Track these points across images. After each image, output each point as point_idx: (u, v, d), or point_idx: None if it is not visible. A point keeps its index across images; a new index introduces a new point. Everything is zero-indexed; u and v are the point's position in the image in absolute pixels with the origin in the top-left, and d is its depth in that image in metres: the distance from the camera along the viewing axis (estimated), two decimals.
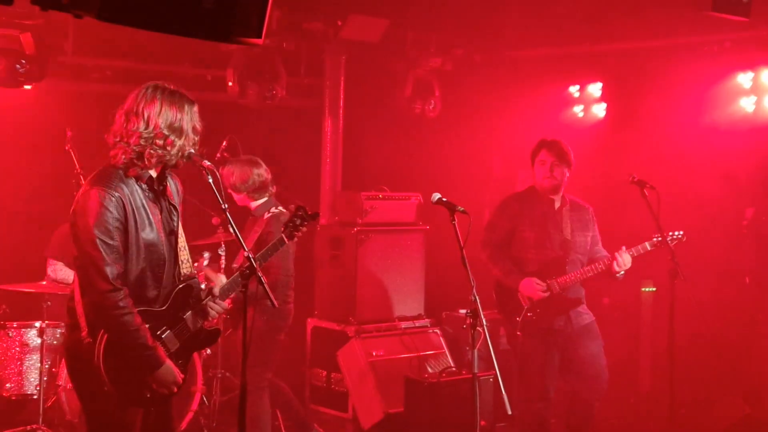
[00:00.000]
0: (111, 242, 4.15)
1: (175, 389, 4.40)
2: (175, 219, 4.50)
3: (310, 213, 5.15)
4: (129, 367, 4.27)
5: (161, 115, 4.24)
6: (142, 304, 4.31)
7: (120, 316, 4.17)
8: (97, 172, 4.34)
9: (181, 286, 4.48)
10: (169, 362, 4.35)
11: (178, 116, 4.26)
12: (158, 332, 4.38)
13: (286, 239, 5.10)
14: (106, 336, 4.22)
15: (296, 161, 9.40)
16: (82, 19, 3.46)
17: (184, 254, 4.53)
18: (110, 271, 4.14)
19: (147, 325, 4.28)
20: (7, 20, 7.21)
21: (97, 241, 4.13)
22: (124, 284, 4.21)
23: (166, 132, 4.24)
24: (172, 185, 4.55)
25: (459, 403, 6.82)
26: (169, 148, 4.25)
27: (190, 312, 4.49)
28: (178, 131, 4.26)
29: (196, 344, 4.62)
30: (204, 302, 4.53)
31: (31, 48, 7.28)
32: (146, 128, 4.23)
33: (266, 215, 6.62)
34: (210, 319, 4.55)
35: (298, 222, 5.10)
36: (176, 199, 4.54)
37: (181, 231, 4.53)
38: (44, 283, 7.18)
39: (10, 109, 7.93)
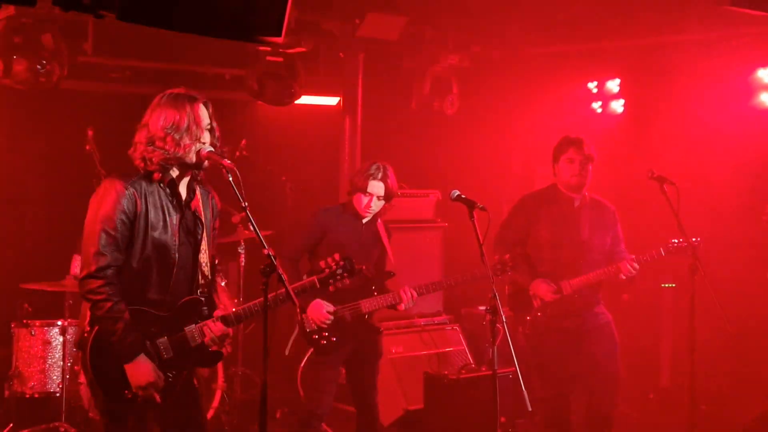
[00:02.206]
0: (111, 232, 4.27)
1: (152, 392, 4.34)
2: (200, 232, 4.53)
3: (355, 267, 4.87)
4: (111, 363, 4.31)
5: (161, 118, 4.35)
6: (141, 304, 4.37)
7: (96, 302, 4.25)
8: (124, 168, 4.44)
9: (190, 298, 4.51)
10: (144, 361, 4.33)
11: (176, 116, 4.34)
12: (154, 336, 4.41)
13: (317, 284, 4.83)
14: (97, 328, 4.31)
15: (315, 159, 9.44)
16: (103, 19, 3.49)
17: (205, 269, 4.55)
18: (97, 259, 4.25)
19: (143, 327, 4.34)
20: (28, 21, 7.26)
21: (98, 228, 4.26)
22: (116, 275, 4.28)
23: (165, 131, 4.33)
24: (206, 200, 4.59)
25: (479, 399, 6.82)
26: (168, 145, 4.32)
27: (194, 326, 4.49)
28: (176, 128, 4.33)
29: (193, 361, 4.55)
30: (209, 321, 4.50)
31: (51, 48, 7.32)
32: (148, 134, 4.35)
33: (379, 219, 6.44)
34: (207, 340, 4.49)
35: (338, 272, 4.83)
36: (206, 214, 4.57)
37: (206, 247, 4.55)
38: (75, 279, 7.22)
39: (32, 110, 8.00)
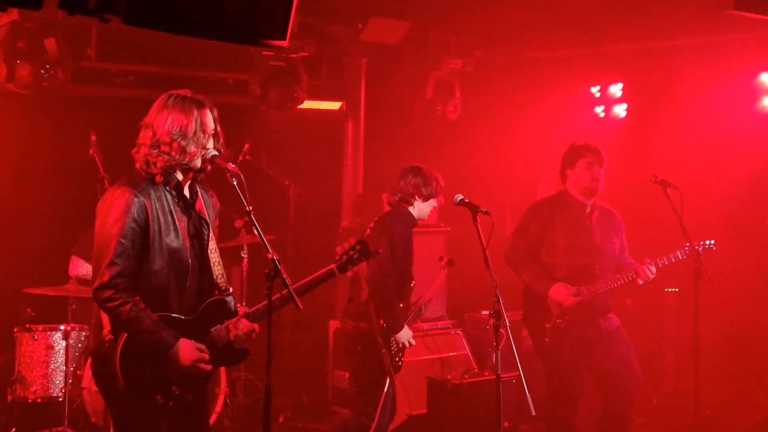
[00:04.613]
0: (123, 241, 4.23)
1: (202, 367, 4.35)
2: (206, 233, 4.52)
3: (372, 250, 4.84)
4: (144, 368, 4.29)
5: (167, 121, 4.32)
6: (164, 310, 4.35)
7: (114, 308, 4.22)
8: (128, 174, 4.42)
9: (213, 299, 4.50)
10: (184, 342, 4.32)
11: (184, 121, 4.32)
12: None
13: (336, 271, 4.76)
14: (125, 335, 4.27)
15: (317, 164, 9.43)
16: (108, 23, 3.50)
17: (218, 269, 4.54)
18: (110, 268, 4.21)
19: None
20: (31, 26, 7.27)
21: (109, 237, 4.23)
22: (129, 282, 4.25)
23: (172, 136, 4.31)
24: (206, 199, 4.58)
25: (482, 404, 6.82)
26: (174, 152, 4.31)
27: (219, 326, 4.48)
28: (183, 134, 4.32)
29: (221, 360, 4.56)
30: (234, 320, 4.49)
31: (55, 53, 7.33)
32: (153, 137, 4.33)
33: None
34: (232, 337, 4.48)
35: (355, 256, 4.78)
36: (209, 214, 4.56)
37: (214, 246, 4.54)
38: (75, 279, 7.21)
39: (35, 114, 8.00)
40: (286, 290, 4.28)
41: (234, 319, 4.49)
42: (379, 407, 6.14)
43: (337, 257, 4.79)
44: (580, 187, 6.48)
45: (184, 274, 4.40)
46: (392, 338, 6.17)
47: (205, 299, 4.49)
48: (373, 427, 6.14)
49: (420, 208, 6.36)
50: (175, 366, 4.32)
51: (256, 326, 4.52)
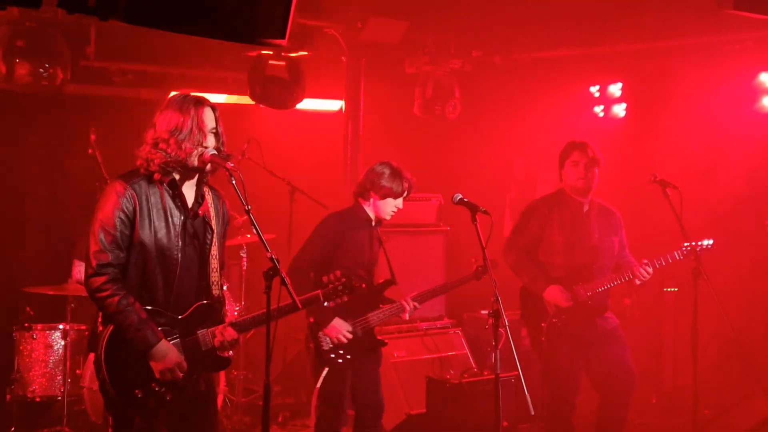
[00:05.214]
0: (111, 231, 4.30)
1: (178, 373, 4.35)
2: (210, 237, 4.53)
3: (355, 285, 4.89)
4: (127, 360, 4.32)
5: (166, 120, 4.39)
6: (151, 304, 4.38)
7: (103, 299, 4.28)
8: (127, 171, 4.46)
9: (203, 303, 4.51)
10: (166, 343, 4.34)
11: (180, 119, 4.38)
12: (167, 336, 4.40)
13: (321, 298, 4.84)
14: (111, 327, 4.32)
15: (317, 163, 9.44)
16: (107, 21, 3.50)
17: (215, 275, 4.55)
18: (98, 257, 4.29)
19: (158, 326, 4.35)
20: (30, 24, 7.27)
21: (97, 227, 4.31)
22: (120, 273, 4.31)
23: (170, 133, 4.36)
24: (217, 206, 4.60)
25: (481, 404, 6.81)
26: (170, 148, 4.34)
27: (206, 330, 4.49)
28: (179, 131, 4.36)
29: (202, 365, 4.54)
30: (221, 327, 4.48)
31: (54, 52, 7.33)
32: (154, 134, 4.39)
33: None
34: (217, 344, 4.47)
35: (339, 288, 4.87)
36: (216, 220, 4.57)
37: (216, 252, 4.55)
38: (77, 284, 7.22)
39: (34, 114, 8.00)
40: (281, 305, 4.28)
41: (221, 326, 4.50)
42: (314, 402, 6.02)
43: (323, 285, 4.88)
44: (570, 186, 6.49)
45: (171, 272, 4.42)
46: (320, 334, 5.93)
47: (196, 298, 4.50)
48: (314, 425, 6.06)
49: (377, 206, 6.11)
50: (154, 365, 4.34)
51: (239, 337, 4.53)
